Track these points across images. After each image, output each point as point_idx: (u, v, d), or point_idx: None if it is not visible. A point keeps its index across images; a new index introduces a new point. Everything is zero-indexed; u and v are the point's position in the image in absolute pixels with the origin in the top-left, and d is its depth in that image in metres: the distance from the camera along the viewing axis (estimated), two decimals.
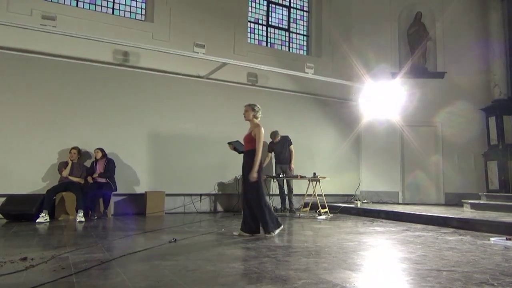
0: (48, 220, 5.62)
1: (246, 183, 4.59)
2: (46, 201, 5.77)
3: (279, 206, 8.04)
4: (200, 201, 7.59)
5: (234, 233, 4.65)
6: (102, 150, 6.53)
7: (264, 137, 4.63)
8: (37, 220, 5.54)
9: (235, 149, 5.01)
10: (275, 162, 7.97)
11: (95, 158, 6.50)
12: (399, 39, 9.72)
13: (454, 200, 8.62)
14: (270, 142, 7.97)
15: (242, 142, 4.87)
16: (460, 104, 8.98)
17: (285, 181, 7.72)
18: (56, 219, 6.02)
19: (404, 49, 9.73)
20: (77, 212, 5.89)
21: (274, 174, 7.78)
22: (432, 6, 9.67)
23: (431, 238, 4.61)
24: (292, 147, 7.83)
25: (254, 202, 4.54)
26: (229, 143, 5.09)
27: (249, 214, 4.61)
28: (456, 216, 5.94)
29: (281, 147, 7.84)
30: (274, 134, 7.83)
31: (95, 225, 5.50)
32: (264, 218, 4.49)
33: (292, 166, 7.61)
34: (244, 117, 4.78)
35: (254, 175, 4.47)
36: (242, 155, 4.80)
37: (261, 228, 4.60)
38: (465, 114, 9.01)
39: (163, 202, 6.91)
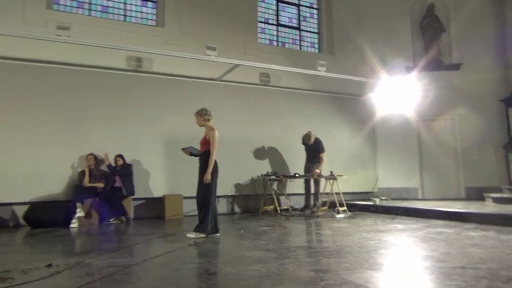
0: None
1: (201, 184, 4.73)
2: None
3: (296, 206, 8.00)
4: (218, 203, 7.57)
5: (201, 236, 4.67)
6: (122, 157, 6.61)
7: (218, 140, 4.76)
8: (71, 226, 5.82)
9: (191, 154, 5.06)
10: (306, 160, 7.87)
11: (115, 164, 6.59)
12: (412, 33, 9.55)
13: (475, 194, 8.43)
14: (304, 144, 7.81)
15: (195, 146, 5.04)
16: (478, 96, 8.78)
17: (313, 180, 7.67)
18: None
19: (417, 42, 9.56)
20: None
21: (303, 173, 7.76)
22: None
23: (453, 234, 4.53)
24: (323, 155, 7.58)
25: (201, 201, 4.69)
26: (183, 149, 5.12)
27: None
28: (478, 211, 5.83)
29: (311, 150, 7.71)
30: (307, 137, 7.66)
31: (115, 230, 5.59)
32: (204, 217, 4.63)
33: (317, 170, 7.39)
34: (197, 124, 4.96)
35: (208, 176, 4.64)
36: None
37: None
38: (483, 105, 8.79)
39: (181, 205, 6.97)
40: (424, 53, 9.30)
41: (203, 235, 4.59)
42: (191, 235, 4.60)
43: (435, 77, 9.05)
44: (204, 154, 4.80)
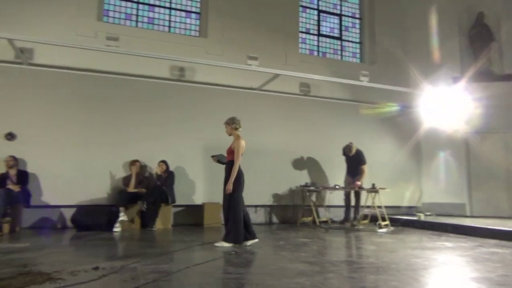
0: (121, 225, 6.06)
1: (225, 194, 4.69)
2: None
3: (335, 218, 7.80)
4: (256, 212, 7.56)
5: (247, 244, 4.67)
6: (165, 162, 6.75)
7: (243, 149, 4.78)
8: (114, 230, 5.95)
9: (218, 161, 5.02)
10: (346, 172, 7.71)
11: (159, 171, 6.73)
12: (460, 42, 9.16)
13: None
14: (345, 156, 7.67)
15: (225, 154, 4.97)
16: None
17: (353, 192, 7.47)
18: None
19: (465, 52, 9.14)
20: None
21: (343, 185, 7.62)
22: (495, 5, 9.02)
23: (510, 255, 4.22)
24: (364, 167, 7.41)
25: (227, 211, 4.66)
26: (212, 156, 5.09)
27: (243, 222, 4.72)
28: None
29: (352, 161, 7.55)
30: (349, 148, 7.52)
31: (157, 235, 5.68)
32: (231, 228, 4.59)
33: (358, 182, 7.18)
34: (227, 133, 5.01)
35: (230, 186, 4.62)
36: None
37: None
38: None
39: (220, 213, 6.97)
40: (473, 63, 8.86)
41: (230, 244, 4.55)
42: (219, 244, 4.57)
43: (485, 88, 8.57)
44: (229, 163, 4.77)
